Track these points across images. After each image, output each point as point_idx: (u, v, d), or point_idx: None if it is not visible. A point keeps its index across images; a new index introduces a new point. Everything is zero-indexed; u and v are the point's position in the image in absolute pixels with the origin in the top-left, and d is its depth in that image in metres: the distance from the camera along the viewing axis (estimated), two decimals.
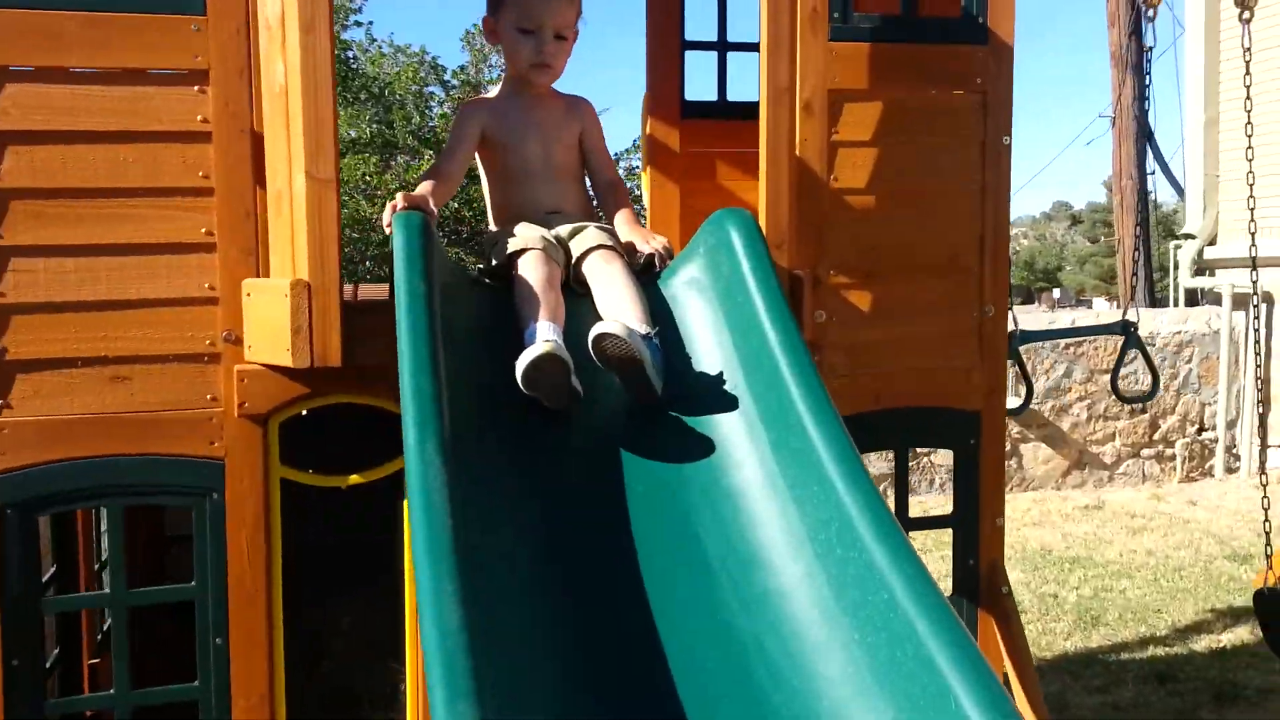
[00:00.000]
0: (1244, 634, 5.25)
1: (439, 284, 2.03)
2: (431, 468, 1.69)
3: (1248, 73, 3.31)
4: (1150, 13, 3.62)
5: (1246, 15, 3.08)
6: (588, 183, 2.70)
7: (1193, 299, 10.04)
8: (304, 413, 2.53)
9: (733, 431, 2.00)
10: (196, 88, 2.38)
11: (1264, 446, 8.96)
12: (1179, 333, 9.01)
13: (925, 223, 2.77)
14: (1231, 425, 8.98)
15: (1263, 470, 4.41)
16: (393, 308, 2.05)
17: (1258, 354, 3.76)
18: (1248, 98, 3.36)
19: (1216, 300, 9.41)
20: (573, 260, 2.38)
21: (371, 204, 10.91)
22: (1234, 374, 8.99)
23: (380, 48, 12.55)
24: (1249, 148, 3.42)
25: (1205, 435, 9.03)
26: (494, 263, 2.37)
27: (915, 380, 2.76)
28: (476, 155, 2.59)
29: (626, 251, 2.41)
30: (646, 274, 2.39)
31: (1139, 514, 7.81)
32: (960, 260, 2.79)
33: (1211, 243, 9.89)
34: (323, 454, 2.58)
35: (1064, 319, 9.12)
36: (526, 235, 2.34)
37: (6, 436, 2.32)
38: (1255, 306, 3.59)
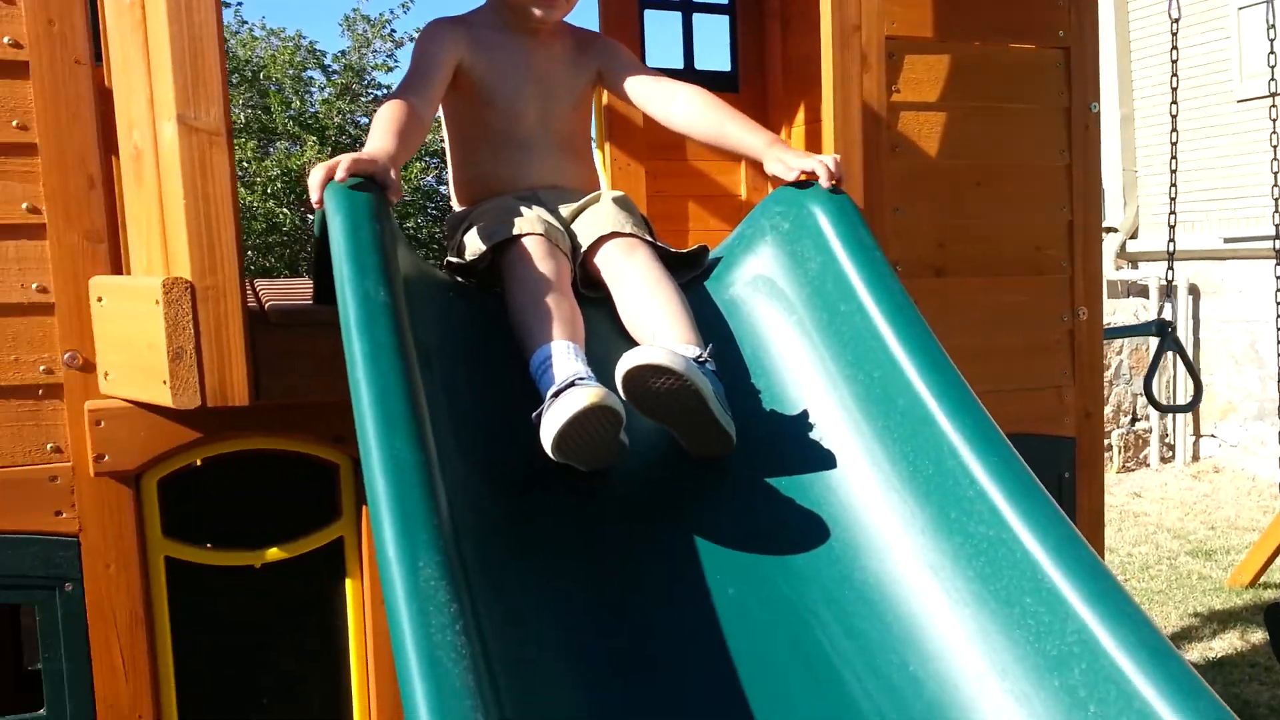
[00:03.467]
0: (1234, 641, 5.00)
1: (401, 288, 1.32)
2: (422, 575, 1.00)
3: (1174, 45, 2.97)
4: None
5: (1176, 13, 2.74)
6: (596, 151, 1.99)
7: (1114, 291, 9.96)
8: (198, 462, 1.77)
9: (862, 500, 1.35)
10: None
11: (1198, 436, 8.99)
12: (1107, 324, 8.86)
13: (1003, 208, 2.20)
14: (1163, 415, 8.90)
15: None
16: (327, 319, 1.34)
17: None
18: (1174, 76, 3.03)
19: (1142, 292, 9.32)
20: (580, 251, 1.68)
21: (250, 191, 9.97)
22: (1163, 364, 8.90)
23: (251, 31, 11.51)
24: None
25: (1139, 425, 8.93)
26: (469, 255, 1.65)
27: (996, 402, 2.16)
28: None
29: (772, 177, 1.68)
30: (690, 267, 1.71)
31: None
32: (1046, 253, 2.23)
33: (1133, 236, 9.82)
34: (226, 519, 1.83)
35: None
36: (521, 215, 1.63)
37: None
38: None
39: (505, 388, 1.45)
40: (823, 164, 1.61)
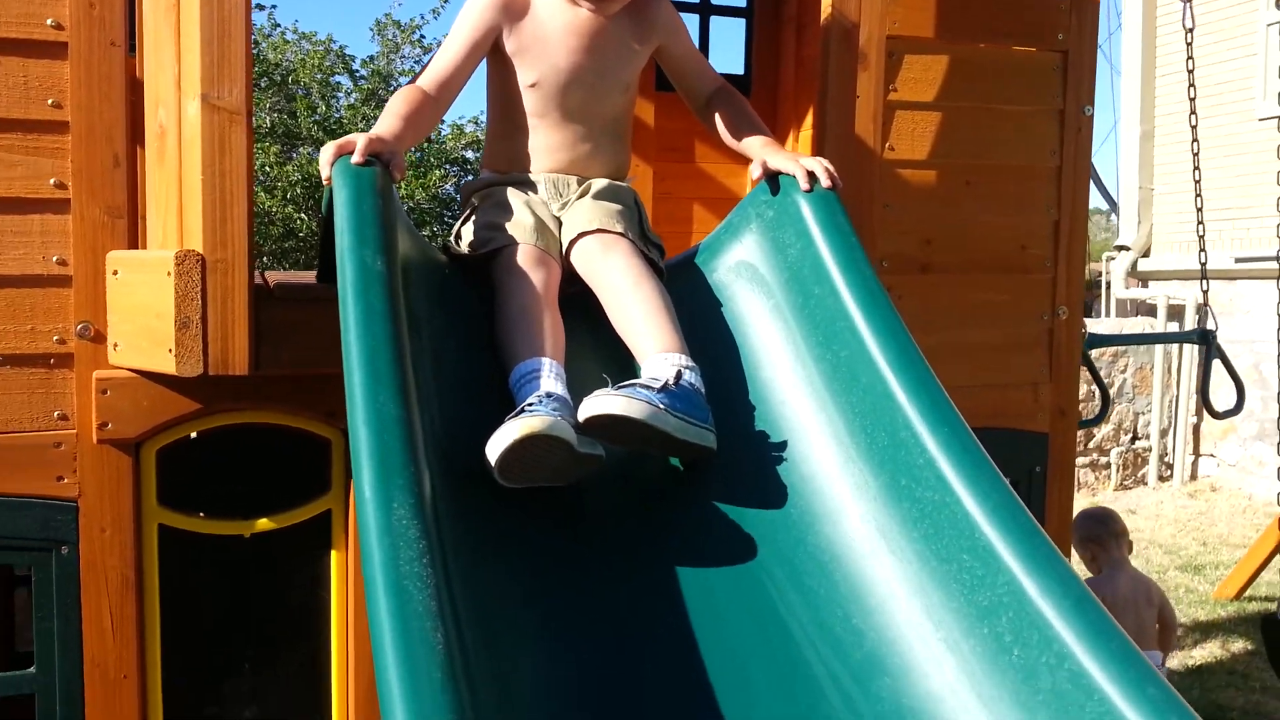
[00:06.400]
0: (1215, 650, 5.05)
1: (399, 263, 1.40)
2: (395, 514, 1.08)
3: (1190, 55, 2.98)
4: None
5: None
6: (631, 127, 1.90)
7: (1122, 309, 9.97)
8: (192, 435, 1.85)
9: (822, 470, 1.42)
10: None
11: (1197, 455, 8.98)
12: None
13: (992, 206, 2.26)
14: (1164, 434, 8.90)
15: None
16: (328, 295, 1.42)
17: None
18: (1190, 86, 3.03)
19: (1150, 311, 9.32)
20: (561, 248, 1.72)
21: (270, 196, 10.08)
22: (1167, 384, 8.90)
23: (284, 34, 11.66)
24: (1193, 130, 3.11)
25: (1139, 444, 8.93)
26: (464, 248, 1.70)
27: (973, 397, 2.22)
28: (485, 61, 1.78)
29: (767, 175, 1.70)
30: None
31: None
32: (1031, 253, 2.29)
33: (1145, 255, 9.82)
34: (218, 490, 1.91)
35: None
36: (516, 220, 1.65)
37: None
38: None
39: (489, 360, 1.53)
40: (802, 168, 1.66)
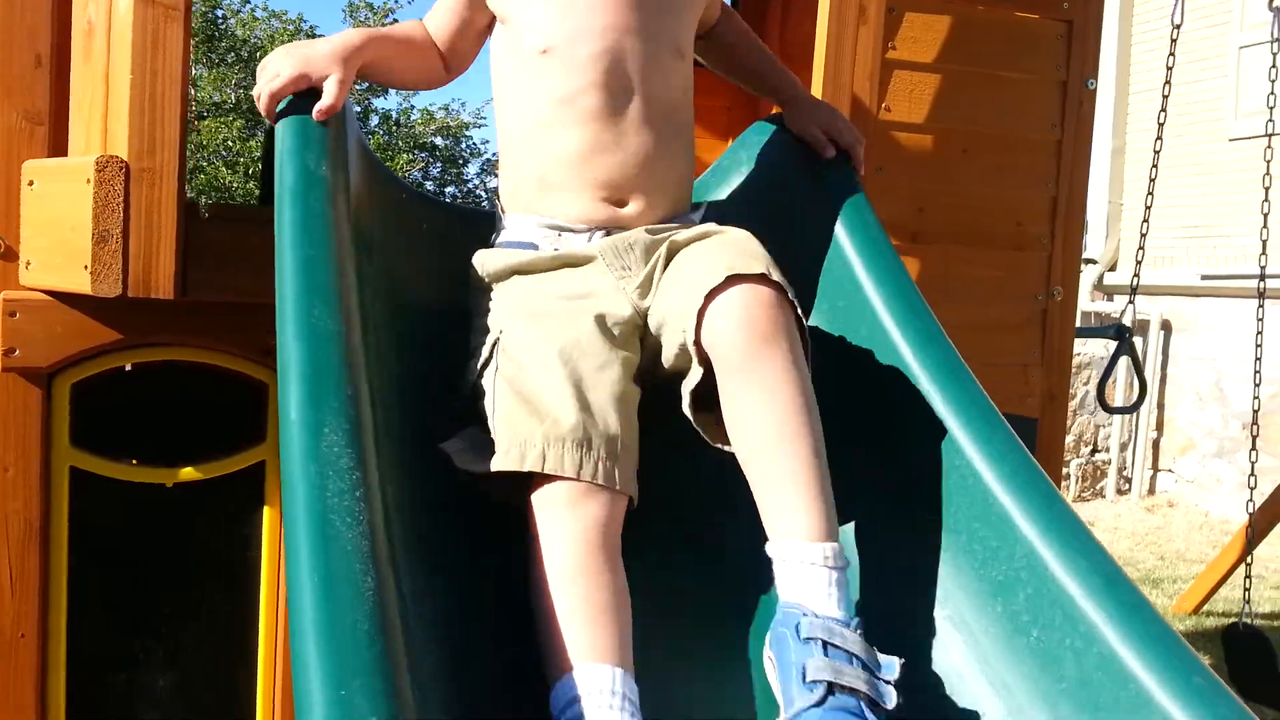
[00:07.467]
0: None
1: (350, 177, 1.23)
2: (325, 440, 0.91)
3: (1171, 53, 2.92)
4: None
5: None
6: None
7: (1086, 321, 10.02)
8: (127, 368, 1.67)
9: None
10: None
11: (1155, 470, 9.03)
12: (1078, 354, 8.91)
13: (989, 177, 2.15)
14: (1124, 448, 8.95)
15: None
16: (268, 218, 1.24)
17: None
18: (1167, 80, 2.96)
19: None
20: (662, 349, 1.17)
21: (232, 171, 9.93)
22: (1129, 397, 8.95)
23: (253, 11, 11.40)
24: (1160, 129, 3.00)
25: (1098, 456, 8.97)
26: (477, 459, 1.12)
27: None
28: (490, 50, 1.34)
29: (797, 135, 1.42)
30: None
31: None
32: (1026, 229, 2.18)
33: (1112, 268, 9.88)
34: (140, 434, 1.72)
35: None
36: (565, 425, 1.06)
37: None
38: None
39: (458, 290, 1.34)
40: (861, 147, 1.46)
